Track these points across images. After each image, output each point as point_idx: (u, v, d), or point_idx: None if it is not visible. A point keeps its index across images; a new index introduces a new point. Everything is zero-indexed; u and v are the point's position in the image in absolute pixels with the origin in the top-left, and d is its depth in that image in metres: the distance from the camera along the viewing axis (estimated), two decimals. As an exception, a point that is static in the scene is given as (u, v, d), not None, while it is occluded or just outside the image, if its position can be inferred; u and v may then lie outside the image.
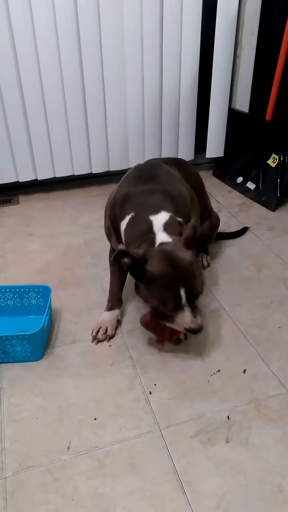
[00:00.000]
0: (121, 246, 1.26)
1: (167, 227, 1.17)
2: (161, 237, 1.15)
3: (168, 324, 1.18)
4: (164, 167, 1.35)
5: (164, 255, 1.11)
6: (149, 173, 1.31)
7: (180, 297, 1.10)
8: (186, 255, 1.12)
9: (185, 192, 1.33)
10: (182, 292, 1.10)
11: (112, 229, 1.32)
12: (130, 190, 1.26)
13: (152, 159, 1.49)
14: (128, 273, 1.22)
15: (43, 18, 1.96)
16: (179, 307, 1.12)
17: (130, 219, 1.22)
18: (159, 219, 1.18)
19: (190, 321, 1.13)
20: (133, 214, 1.22)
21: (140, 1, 2.03)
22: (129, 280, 1.59)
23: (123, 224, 1.24)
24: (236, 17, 2.20)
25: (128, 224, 1.22)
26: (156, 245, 1.14)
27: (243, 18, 2.24)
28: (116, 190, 1.34)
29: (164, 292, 1.11)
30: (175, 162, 1.48)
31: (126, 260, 1.11)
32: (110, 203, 1.33)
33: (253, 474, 1.00)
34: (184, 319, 1.13)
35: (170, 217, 1.19)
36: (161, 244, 1.14)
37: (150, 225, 1.17)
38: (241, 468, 1.02)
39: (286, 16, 1.95)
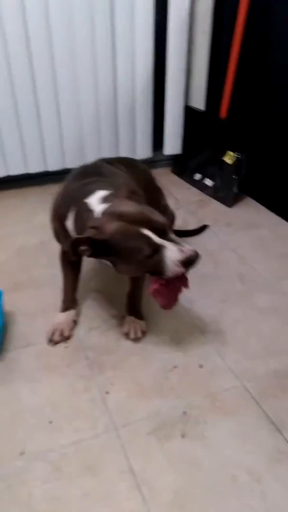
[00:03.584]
0: None
1: (105, 201, 1.11)
2: (100, 208, 1.10)
3: (169, 274, 1.07)
4: (107, 166, 1.34)
5: (107, 216, 1.06)
6: (92, 171, 1.30)
7: (147, 236, 1.03)
8: (127, 203, 1.08)
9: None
10: (147, 232, 1.03)
11: (60, 230, 1.27)
12: (72, 186, 1.24)
13: (96, 160, 1.46)
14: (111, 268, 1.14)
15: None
16: (158, 247, 1.03)
17: (74, 216, 1.17)
18: (95, 197, 1.13)
19: (178, 249, 1.04)
20: (75, 210, 1.17)
21: (92, -3, 2.01)
22: (84, 280, 1.58)
23: (70, 224, 1.20)
24: (189, 14, 2.21)
25: (73, 223, 1.18)
26: None
27: (196, 14, 2.26)
28: (59, 191, 1.32)
29: (131, 243, 1.03)
30: (122, 161, 1.47)
31: (82, 248, 1.06)
32: (54, 204, 1.30)
33: (208, 467, 1.02)
34: (172, 253, 1.03)
35: (109, 193, 1.14)
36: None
37: (88, 208, 1.12)
38: (196, 462, 1.03)
39: (237, 14, 1.98)
